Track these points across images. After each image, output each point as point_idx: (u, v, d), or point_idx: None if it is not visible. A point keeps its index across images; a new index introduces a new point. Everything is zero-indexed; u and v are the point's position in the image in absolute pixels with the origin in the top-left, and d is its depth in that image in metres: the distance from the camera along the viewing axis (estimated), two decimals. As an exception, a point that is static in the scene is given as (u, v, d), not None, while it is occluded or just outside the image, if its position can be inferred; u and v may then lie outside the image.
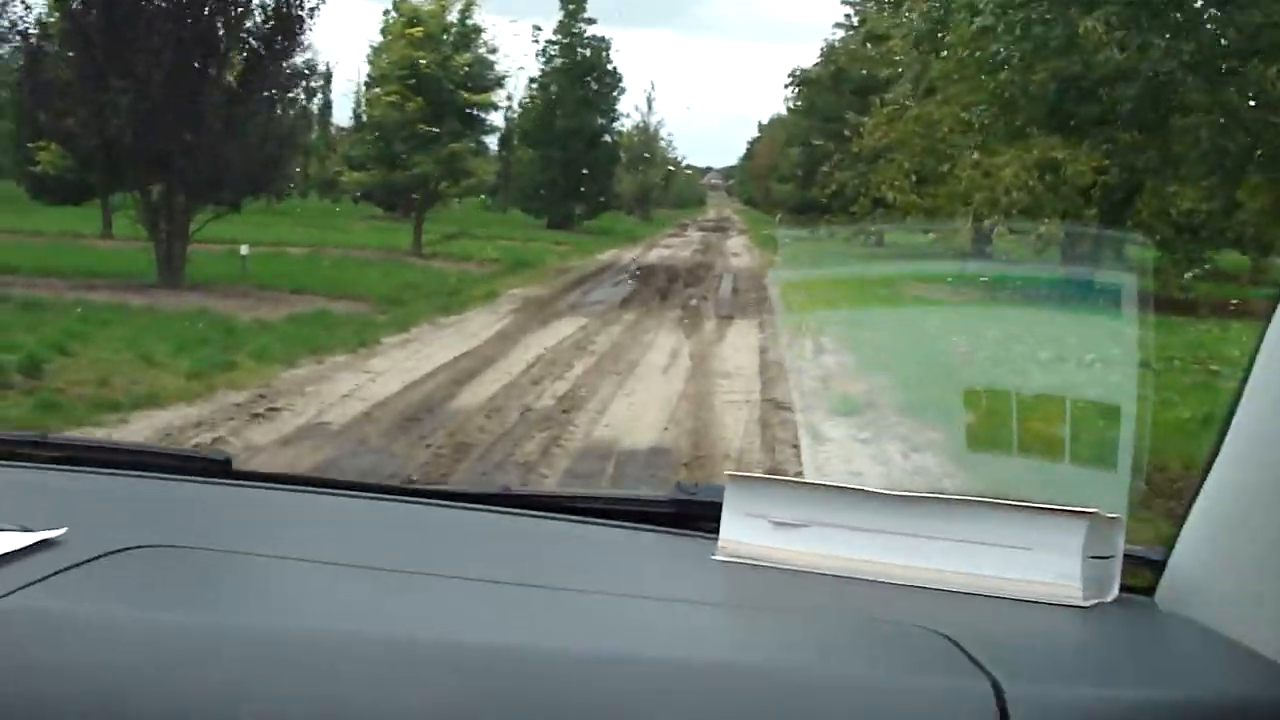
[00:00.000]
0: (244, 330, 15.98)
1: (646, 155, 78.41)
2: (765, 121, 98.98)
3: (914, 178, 25.70)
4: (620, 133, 57.89)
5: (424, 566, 1.50)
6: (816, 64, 48.97)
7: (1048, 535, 1.44)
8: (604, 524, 1.77)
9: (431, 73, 28.26)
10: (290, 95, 21.00)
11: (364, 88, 29.46)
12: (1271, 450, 1.36)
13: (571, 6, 51.80)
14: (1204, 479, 1.46)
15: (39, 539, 1.34)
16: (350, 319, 17.92)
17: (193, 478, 1.86)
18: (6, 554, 1.28)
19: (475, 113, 28.87)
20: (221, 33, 19.28)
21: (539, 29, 52.41)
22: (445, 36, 28.86)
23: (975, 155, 23.20)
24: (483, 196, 58.91)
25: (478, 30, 29.45)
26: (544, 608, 1.38)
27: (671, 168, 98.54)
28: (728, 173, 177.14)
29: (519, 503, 1.87)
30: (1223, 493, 1.44)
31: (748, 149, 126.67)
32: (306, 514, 1.80)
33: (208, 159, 18.91)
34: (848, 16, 48.79)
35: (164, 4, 18.82)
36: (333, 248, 30.79)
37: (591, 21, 52.58)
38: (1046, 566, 1.43)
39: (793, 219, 58.38)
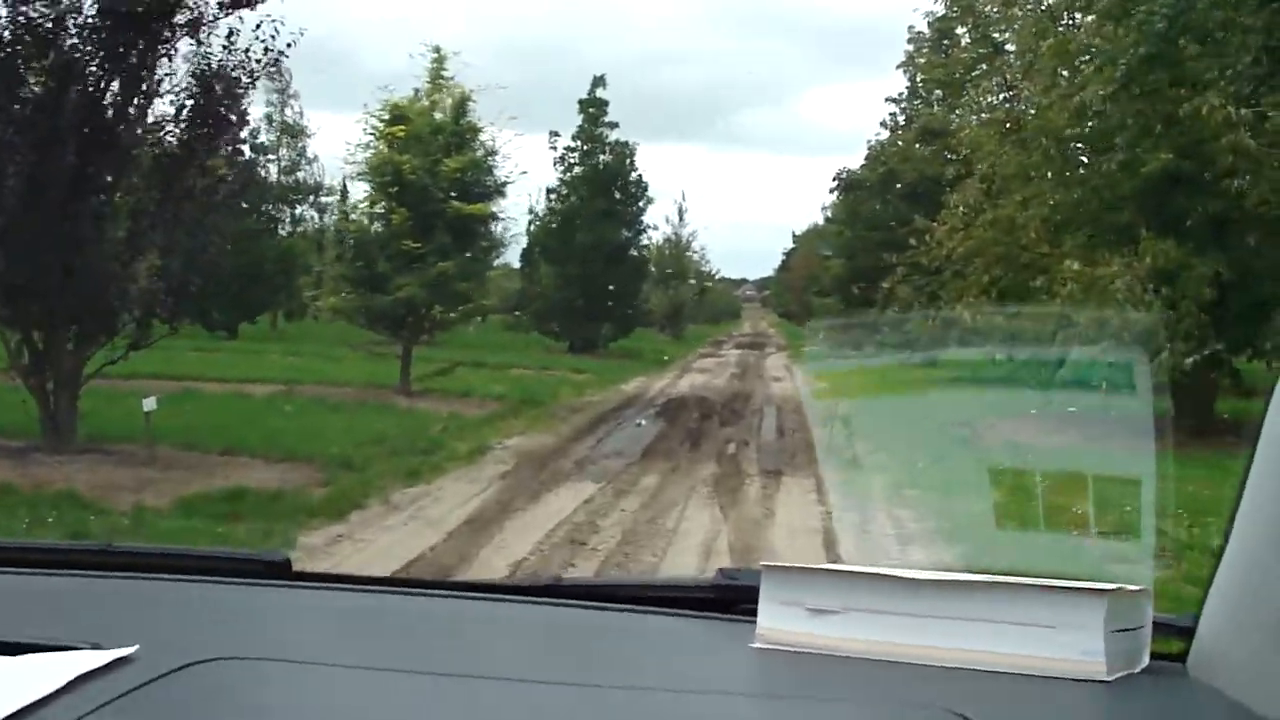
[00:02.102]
0: (110, 522, 11.52)
1: (674, 270, 74.37)
2: (800, 232, 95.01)
3: (994, 292, 21.22)
4: (648, 246, 53.29)
5: (478, 667, 1.61)
6: (863, 166, 44.50)
7: (1070, 613, 1.49)
8: (649, 611, 1.87)
9: (418, 179, 24.00)
10: (225, 203, 16.22)
11: (340, 197, 25.13)
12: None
13: (592, 110, 47.63)
14: (1225, 542, 1.52)
15: (114, 657, 1.39)
16: (273, 498, 13.42)
17: (255, 580, 1.95)
18: (83, 675, 1.32)
19: (472, 226, 24.47)
20: (123, 134, 14.87)
21: (556, 135, 48.34)
22: (435, 138, 24.62)
23: (1075, 265, 18.66)
24: (513, 314, 54.78)
25: (474, 130, 25.14)
26: (592, 708, 1.44)
27: (706, 282, 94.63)
28: (763, 284, 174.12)
29: (569, 594, 1.97)
30: (1245, 557, 1.49)
31: (783, 260, 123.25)
32: (365, 615, 1.86)
33: (96, 289, 14.48)
34: (893, 115, 44.74)
35: (44, 99, 14.47)
36: (310, 384, 26.44)
37: (614, 126, 48.46)
38: (1070, 644, 1.48)
39: (835, 336, 53.89)
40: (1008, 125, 23.17)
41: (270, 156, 53.66)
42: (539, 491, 14.78)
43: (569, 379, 33.39)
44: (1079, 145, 21.10)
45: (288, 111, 54.94)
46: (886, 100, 46.09)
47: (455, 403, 24.96)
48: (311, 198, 52.19)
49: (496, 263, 68.74)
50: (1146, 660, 1.53)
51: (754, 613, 1.66)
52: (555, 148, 48.37)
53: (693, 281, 79.49)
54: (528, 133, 48.11)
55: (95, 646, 1.43)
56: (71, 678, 1.32)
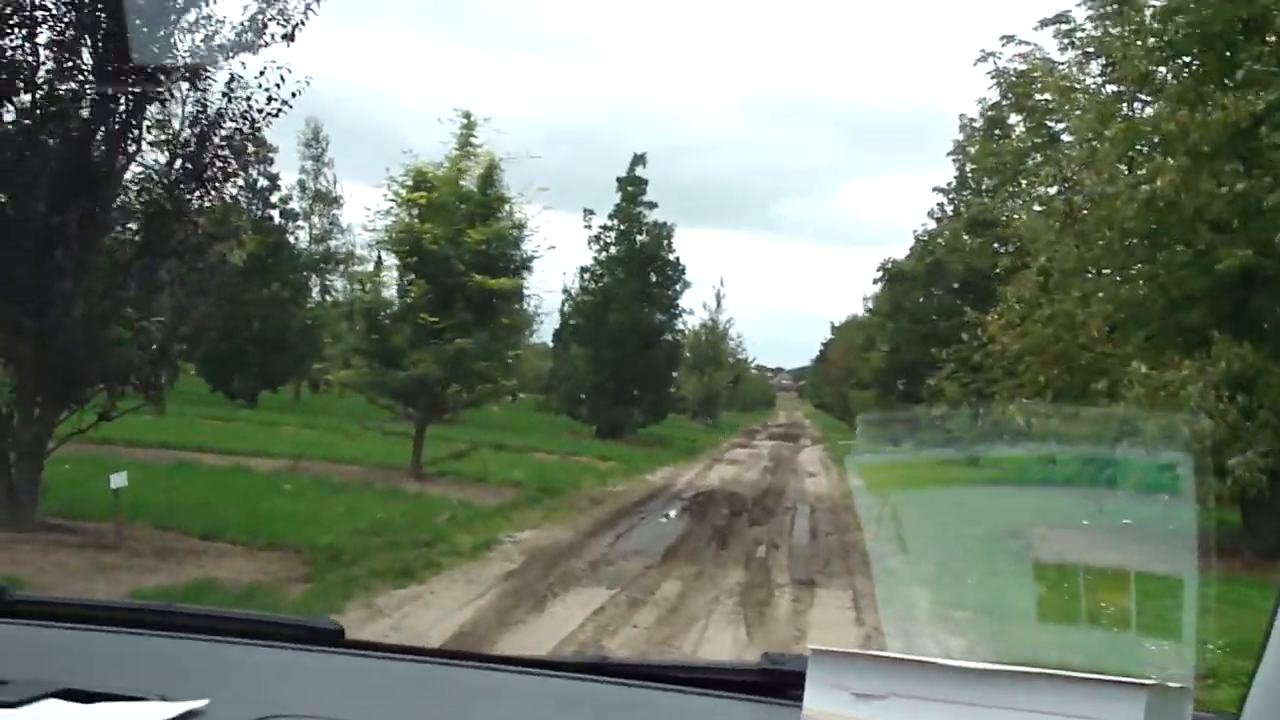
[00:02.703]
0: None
1: (710, 356, 72.95)
2: (839, 323, 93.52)
3: (1049, 394, 19.66)
4: (683, 331, 51.91)
5: None
6: (909, 256, 43.00)
7: (1110, 706, 1.49)
8: (695, 692, 1.89)
9: (439, 250, 22.62)
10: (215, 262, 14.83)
11: (374, 268, 23.71)
12: None
13: (630, 189, 46.38)
14: (1266, 641, 1.54)
15: (185, 710, 1.47)
16: (244, 596, 11.89)
17: (308, 646, 2.03)
18: None
19: (495, 301, 23.03)
20: (105, 182, 13.54)
21: (591, 213, 47.03)
22: (460, 207, 23.29)
23: (1142, 368, 17.12)
24: (543, 395, 53.22)
25: (501, 201, 23.73)
26: None
27: (741, 370, 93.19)
28: (799, 374, 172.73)
29: (614, 672, 2.01)
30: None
31: (821, 351, 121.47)
32: (414, 683, 1.92)
33: (66, 350, 13.11)
34: (940, 206, 43.34)
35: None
36: (318, 460, 25.07)
37: (652, 206, 47.14)
38: None
39: (875, 430, 52.15)
40: (1067, 216, 21.72)
41: (301, 223, 52.72)
42: (544, 598, 13.21)
43: (593, 466, 31.88)
44: (1145, 239, 19.56)
45: (321, 180, 54.06)
46: (934, 190, 44.74)
47: (468, 489, 23.45)
48: (342, 267, 50.77)
49: (530, 341, 68.24)
50: None
51: (797, 697, 1.66)
52: (590, 226, 47.22)
53: (728, 369, 77.92)
54: (562, 210, 46.78)
55: (162, 698, 1.49)
56: None
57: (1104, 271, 20.81)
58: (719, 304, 75.86)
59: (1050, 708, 1.51)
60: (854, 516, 25.28)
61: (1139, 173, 19.62)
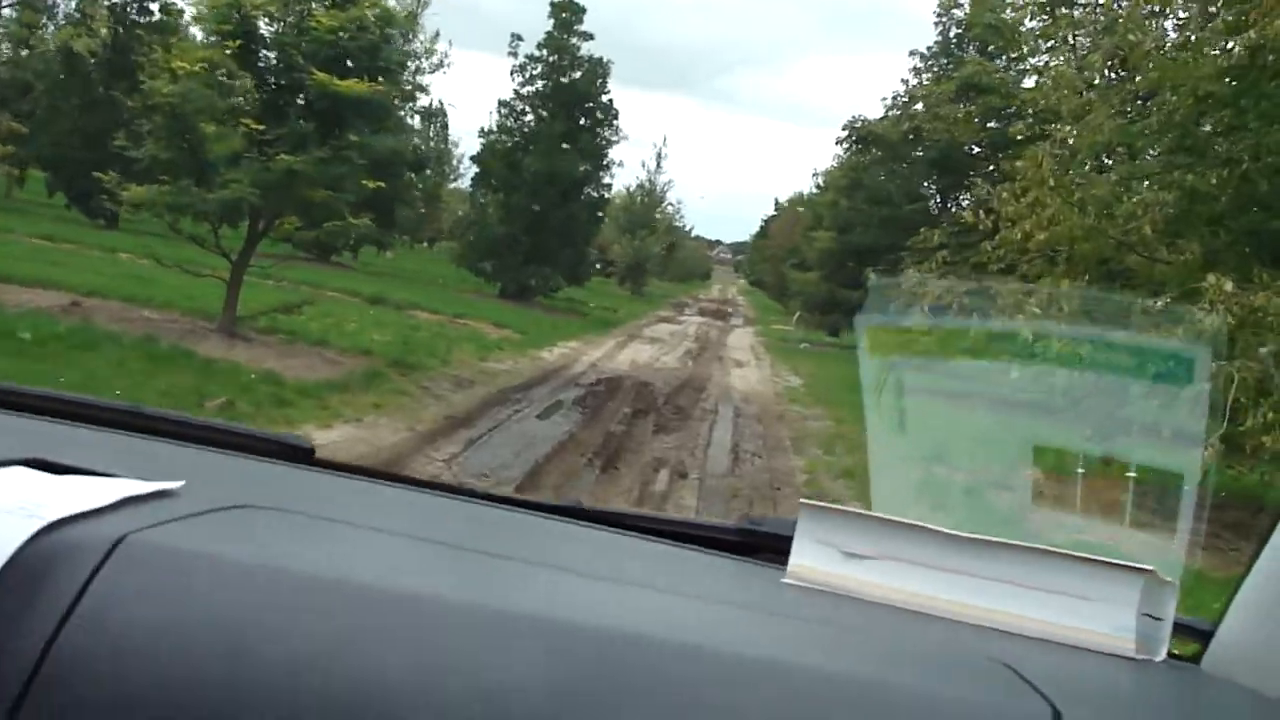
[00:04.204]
0: None
1: (646, 219, 67.35)
2: (784, 200, 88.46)
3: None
4: (609, 185, 45.50)
5: (501, 549, 1.60)
6: (882, 119, 36.73)
7: (1106, 587, 1.50)
8: (673, 544, 1.83)
9: (275, 35, 16.84)
10: None
11: (162, 50, 17.54)
12: None
13: (565, 16, 40.01)
14: (1256, 555, 1.54)
15: (161, 488, 1.42)
16: None
17: (280, 461, 1.95)
18: (133, 496, 1.35)
19: (345, 112, 17.27)
20: None
21: (519, 39, 40.72)
22: (307, -22, 17.47)
23: (1227, 285, 11.95)
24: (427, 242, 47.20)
25: (368, -23, 17.90)
26: (618, 600, 1.41)
27: (678, 239, 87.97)
28: (738, 248, 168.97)
29: (590, 517, 1.92)
30: (1274, 570, 1.51)
31: (762, 227, 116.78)
32: (390, 502, 1.87)
33: None
34: (916, 70, 37.61)
35: None
36: (113, 299, 19.60)
37: (588, 37, 40.79)
38: (1103, 617, 1.50)
39: (813, 318, 47.28)
40: (1111, 68, 16.36)
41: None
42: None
43: (480, 334, 26.43)
44: (1227, 110, 14.22)
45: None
46: (910, 54, 38.92)
47: (292, 355, 17.98)
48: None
49: (450, 183, 61.81)
50: (1164, 654, 1.53)
51: (779, 561, 1.65)
52: (515, 53, 40.89)
53: (662, 234, 72.36)
54: (487, 49, 40.48)
55: (140, 480, 1.43)
56: (121, 497, 1.34)
57: (1160, 153, 15.50)
58: (659, 164, 70.65)
59: (1044, 583, 1.52)
60: (787, 429, 20.33)
61: (1224, 17, 14.30)
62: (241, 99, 16.70)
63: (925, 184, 36.32)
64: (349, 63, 17.11)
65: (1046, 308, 13.64)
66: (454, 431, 14.90)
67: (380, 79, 17.49)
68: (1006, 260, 15.22)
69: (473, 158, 42.74)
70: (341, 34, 17.07)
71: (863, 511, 1.67)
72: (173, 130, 16.81)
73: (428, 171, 58.52)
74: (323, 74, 16.56)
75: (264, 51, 17.11)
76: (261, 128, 16.51)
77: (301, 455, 1.98)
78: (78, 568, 1.19)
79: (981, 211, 15.75)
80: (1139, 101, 16.14)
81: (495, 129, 41.02)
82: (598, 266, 64.21)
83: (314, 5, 17.49)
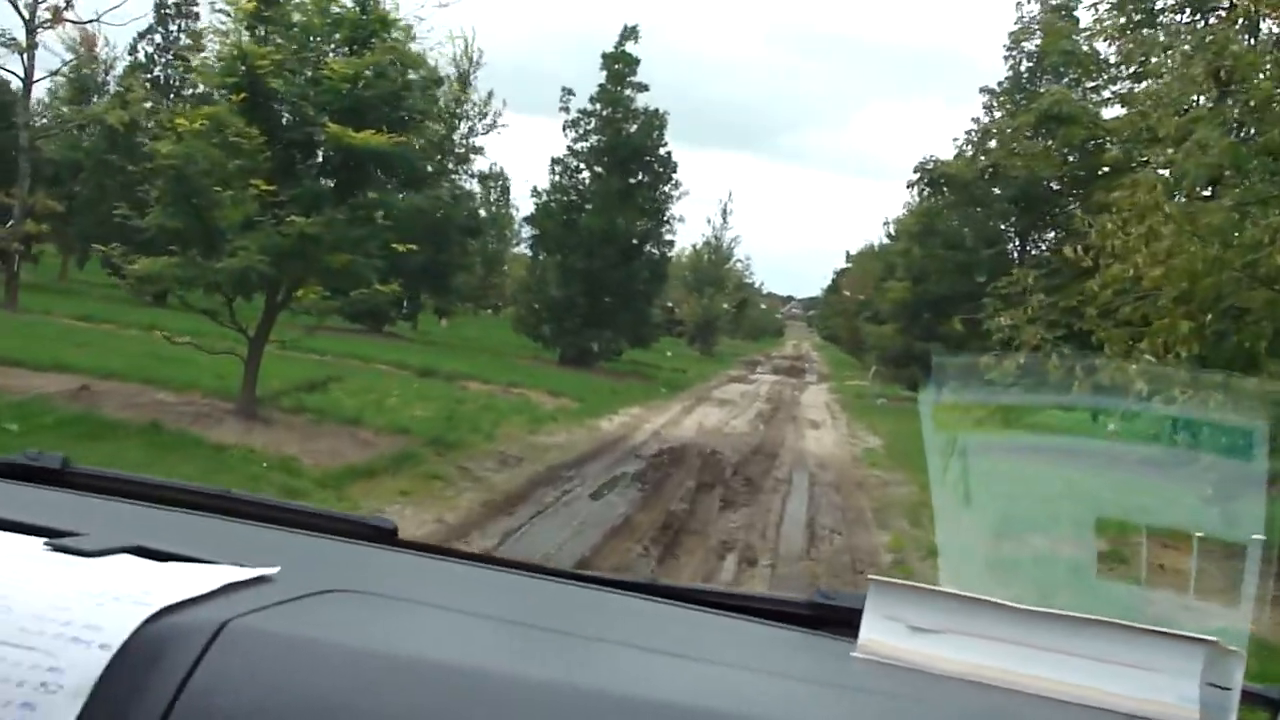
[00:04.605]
0: None
1: (715, 276, 65.65)
2: (854, 252, 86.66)
3: (1191, 348, 12.60)
4: (671, 242, 43.52)
5: (578, 632, 1.63)
6: (957, 158, 34.36)
7: (1169, 658, 1.49)
8: (745, 618, 1.85)
9: (283, 85, 15.25)
10: None
11: (165, 98, 15.79)
12: None
13: (618, 67, 38.34)
14: None
15: (259, 574, 1.45)
16: None
17: (363, 542, 1.99)
18: (233, 582, 1.39)
19: (367, 167, 15.62)
20: None
21: (570, 94, 39.14)
22: (321, 25, 15.83)
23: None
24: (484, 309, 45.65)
25: (385, 24, 16.18)
26: (694, 676, 1.45)
27: (748, 296, 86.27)
28: (809, 304, 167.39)
29: (665, 593, 1.94)
30: None
31: (833, 281, 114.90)
32: (470, 581, 1.90)
33: None
34: (988, 108, 35.59)
35: None
36: (131, 382, 18.13)
37: (643, 88, 39.08)
38: (1166, 688, 1.49)
39: (889, 371, 45.27)
40: (1213, 85, 14.47)
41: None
42: None
43: (534, 405, 24.67)
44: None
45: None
46: (981, 91, 36.91)
47: (321, 437, 16.37)
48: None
49: (512, 248, 60.37)
50: None
51: (848, 634, 1.64)
52: (567, 108, 39.34)
53: (731, 292, 70.59)
54: (536, 112, 38.90)
55: (236, 564, 1.47)
56: (223, 583, 1.38)
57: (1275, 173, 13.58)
58: (725, 220, 68.74)
59: (1107, 654, 1.51)
60: (867, 498, 18.46)
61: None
62: (251, 159, 15.12)
63: (1003, 225, 34.30)
64: (367, 115, 15.44)
65: (1104, 379, 12.26)
66: (490, 520, 13.21)
67: (403, 131, 15.79)
68: (1111, 303, 13.23)
69: (526, 219, 41.32)
70: (358, 83, 15.41)
71: (930, 587, 1.66)
72: (177, 195, 15.26)
73: (487, 235, 57.25)
74: (337, 126, 14.91)
75: (274, 105, 15.48)
76: (273, 188, 14.89)
77: (385, 536, 2.02)
78: (185, 652, 1.23)
79: (1080, 249, 13.73)
80: (1248, 117, 14.27)
81: (550, 188, 39.39)
82: (665, 326, 62.64)
83: (328, 52, 15.87)
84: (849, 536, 15.04)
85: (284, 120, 15.62)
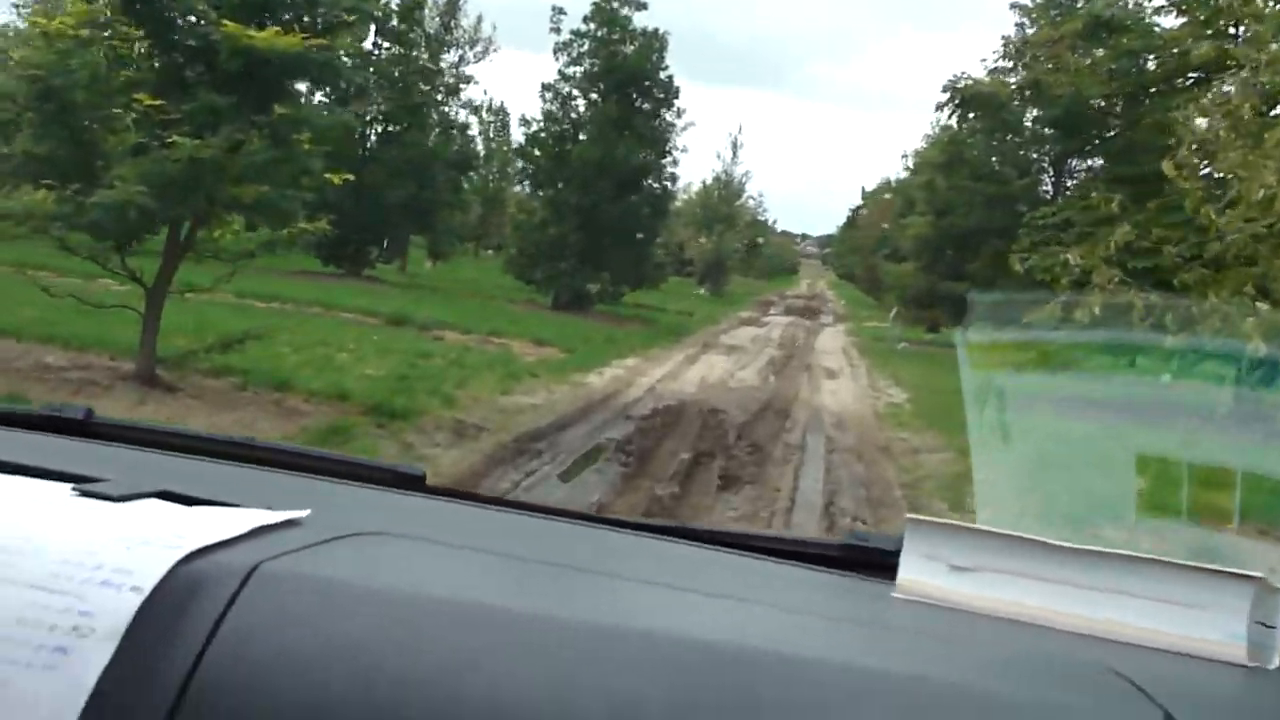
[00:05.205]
0: None
1: (725, 213, 62.50)
2: (871, 188, 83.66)
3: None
4: (674, 175, 40.37)
5: (609, 572, 1.61)
6: (990, 74, 30.79)
7: (1215, 595, 1.49)
8: (778, 561, 1.84)
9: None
10: None
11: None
12: None
13: (614, -16, 35.15)
14: None
15: (288, 517, 1.45)
16: None
17: (391, 489, 2.00)
18: (264, 525, 1.39)
19: (270, 76, 12.61)
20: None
21: (561, 13, 35.82)
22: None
23: None
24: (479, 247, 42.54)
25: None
26: (730, 615, 1.42)
27: (761, 233, 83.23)
28: (825, 241, 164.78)
29: (699, 536, 1.93)
30: None
31: (849, 217, 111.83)
32: (501, 526, 1.90)
33: None
34: (1020, 26, 32.32)
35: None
36: (28, 341, 15.31)
37: (641, 6, 35.72)
38: (1213, 625, 1.49)
39: (911, 313, 42.37)
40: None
41: None
42: None
43: (513, 357, 21.77)
44: None
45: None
46: (1012, 7, 33.54)
47: (237, 407, 13.59)
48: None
49: (500, 184, 57.26)
50: (1277, 661, 1.47)
51: (885, 576, 1.65)
52: (558, 29, 36.03)
53: (742, 230, 67.47)
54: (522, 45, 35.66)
55: (267, 508, 1.48)
56: (253, 526, 1.38)
57: None
58: (735, 155, 65.51)
59: (1152, 592, 1.52)
60: (895, 469, 15.64)
61: None
62: (134, 67, 12.18)
63: (1036, 153, 31.15)
64: (276, 12, 12.46)
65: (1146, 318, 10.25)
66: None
67: (324, 34, 12.79)
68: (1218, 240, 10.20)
69: (516, 151, 38.18)
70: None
71: (969, 525, 1.67)
72: (46, 114, 12.32)
73: (488, 171, 54.25)
74: (234, 25, 11.93)
75: (162, 1, 12.47)
76: (159, 104, 11.94)
77: (412, 482, 2.03)
78: (217, 595, 1.23)
79: (1177, 165, 10.70)
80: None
81: (541, 117, 36.17)
82: (673, 267, 59.73)
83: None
84: (875, 523, 12.26)
85: (175, 21, 12.62)
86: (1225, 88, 11.60)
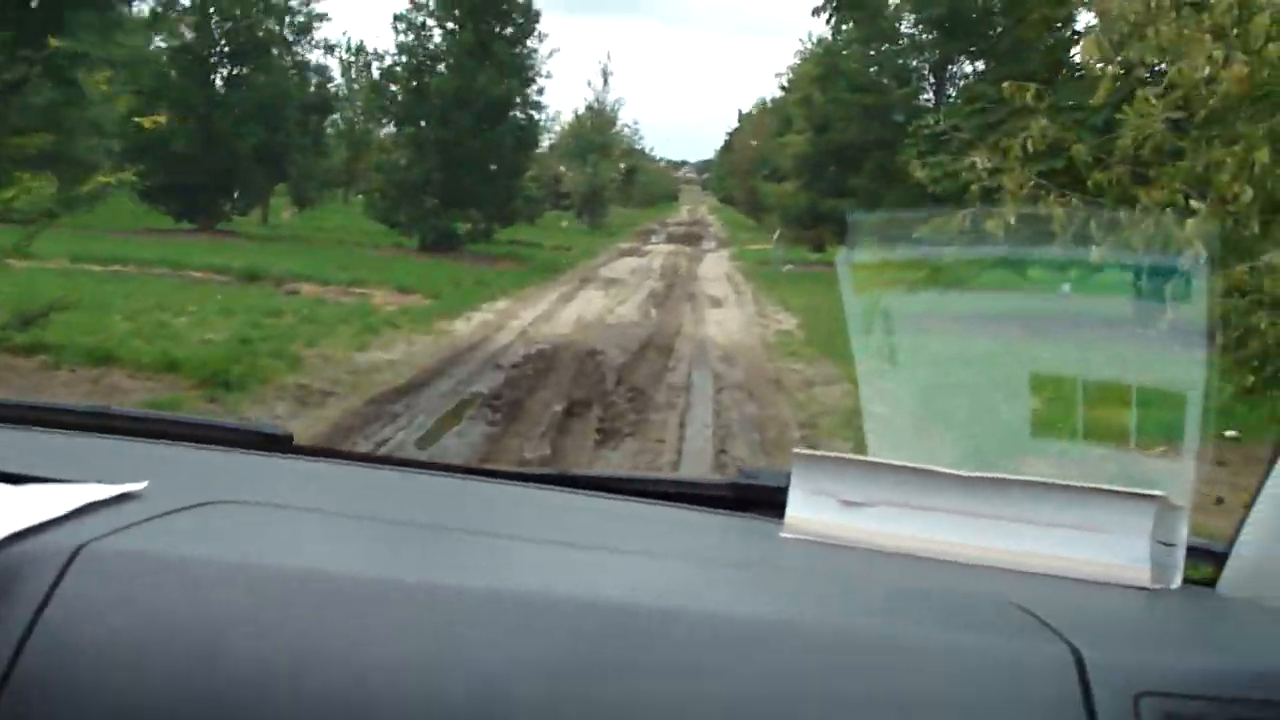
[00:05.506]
0: None
1: (600, 142, 60.85)
2: (747, 110, 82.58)
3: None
4: (540, 105, 37.65)
5: (486, 526, 1.58)
6: None
7: (1117, 517, 1.48)
8: (665, 504, 1.80)
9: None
10: None
11: None
12: None
13: (465, -100, 32.98)
14: (1267, 474, 1.52)
15: (123, 491, 1.39)
16: None
17: (254, 451, 1.90)
18: (94, 502, 1.33)
19: (68, 9, 10.90)
20: None
21: (412, -66, 33.69)
22: None
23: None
24: (361, 196, 40.54)
25: None
26: (613, 569, 1.39)
27: (638, 162, 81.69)
28: (704, 166, 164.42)
29: (578, 483, 1.89)
30: None
31: (726, 141, 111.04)
32: (372, 486, 1.83)
33: None
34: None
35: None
36: None
37: (498, -74, 33.87)
38: (1116, 548, 1.48)
39: (794, 233, 41.24)
40: None
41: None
42: None
43: (373, 308, 20.16)
44: None
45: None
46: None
47: (47, 386, 12.05)
48: None
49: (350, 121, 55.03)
50: (1180, 580, 1.51)
51: (776, 515, 1.62)
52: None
53: (618, 158, 65.89)
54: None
55: (101, 483, 1.40)
56: (80, 504, 1.31)
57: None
58: (606, 82, 63.68)
59: (1052, 518, 1.49)
60: (790, 405, 14.40)
61: None
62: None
63: (918, 59, 29.93)
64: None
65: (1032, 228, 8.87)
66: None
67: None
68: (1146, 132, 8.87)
69: (369, 86, 36.21)
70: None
71: (859, 457, 1.63)
72: None
73: (354, 113, 52.07)
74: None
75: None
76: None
77: (279, 444, 1.94)
78: (36, 581, 1.17)
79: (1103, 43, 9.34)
80: None
81: (395, 50, 34.15)
82: (551, 201, 58.19)
83: None
84: (775, 461, 10.88)
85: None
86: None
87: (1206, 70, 7.72)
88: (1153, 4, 8.39)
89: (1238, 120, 8.48)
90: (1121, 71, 9.43)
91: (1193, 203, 8.70)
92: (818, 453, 1.61)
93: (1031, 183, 9.43)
